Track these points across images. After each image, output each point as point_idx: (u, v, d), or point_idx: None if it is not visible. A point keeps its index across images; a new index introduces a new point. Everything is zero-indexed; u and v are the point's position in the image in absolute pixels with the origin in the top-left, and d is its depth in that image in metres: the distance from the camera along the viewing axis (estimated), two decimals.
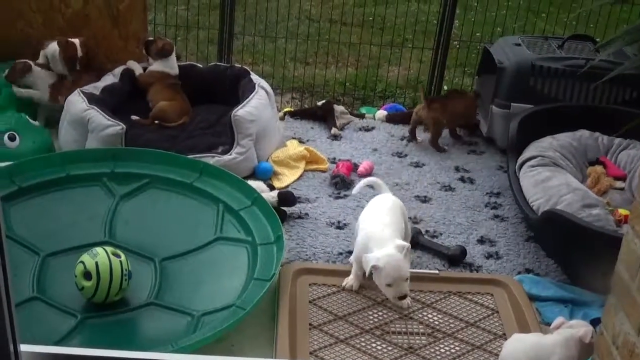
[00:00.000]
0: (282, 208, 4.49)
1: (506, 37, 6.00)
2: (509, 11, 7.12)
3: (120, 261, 3.56)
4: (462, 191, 5.05)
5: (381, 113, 6.04)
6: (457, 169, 5.33)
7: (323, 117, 5.84)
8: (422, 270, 4.13)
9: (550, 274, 4.23)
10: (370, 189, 4.83)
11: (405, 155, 5.45)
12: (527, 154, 4.76)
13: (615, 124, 4.87)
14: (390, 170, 5.22)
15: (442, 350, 3.54)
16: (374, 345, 3.54)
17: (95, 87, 5.18)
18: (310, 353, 3.44)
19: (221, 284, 3.82)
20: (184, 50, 6.63)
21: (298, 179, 5.01)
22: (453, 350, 3.55)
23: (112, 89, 5.25)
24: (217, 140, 4.95)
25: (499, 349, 3.43)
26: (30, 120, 4.98)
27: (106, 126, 4.75)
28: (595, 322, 3.38)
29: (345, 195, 4.84)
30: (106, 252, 3.56)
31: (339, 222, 4.55)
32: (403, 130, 5.81)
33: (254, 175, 4.93)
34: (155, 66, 5.43)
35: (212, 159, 4.71)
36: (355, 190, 4.41)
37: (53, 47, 5.26)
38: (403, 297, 3.62)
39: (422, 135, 5.69)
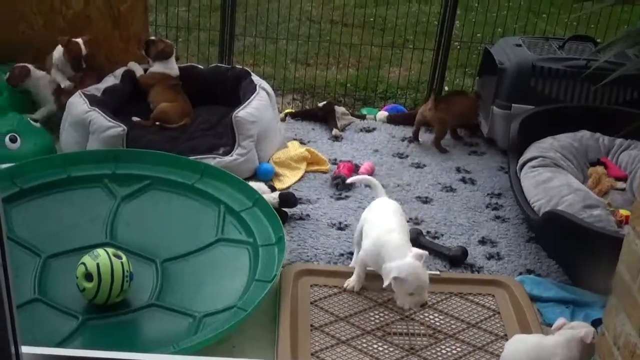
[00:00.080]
0: (283, 209, 4.49)
1: (507, 38, 6.00)
2: (509, 12, 7.13)
3: (122, 262, 3.56)
4: (463, 192, 5.05)
5: (382, 114, 6.04)
6: (458, 169, 5.33)
7: (324, 118, 5.84)
8: None
9: (551, 275, 4.23)
10: (370, 190, 4.85)
11: (406, 156, 5.45)
12: (528, 154, 4.76)
13: (616, 125, 4.88)
14: (391, 171, 5.22)
15: (444, 352, 3.54)
16: (375, 346, 3.54)
17: (97, 89, 5.18)
18: (312, 354, 3.44)
19: (222, 285, 3.82)
20: (184, 52, 6.65)
21: (299, 180, 5.01)
22: (454, 352, 3.55)
23: (113, 91, 5.25)
24: (218, 141, 4.96)
25: (501, 350, 3.43)
26: (32, 122, 4.99)
27: (107, 127, 4.75)
28: (596, 323, 3.37)
29: (347, 197, 4.85)
30: (107, 253, 3.56)
31: (340, 223, 4.55)
32: (404, 131, 5.81)
33: (255, 176, 4.93)
34: (156, 67, 5.43)
35: (213, 160, 4.71)
36: (351, 179, 4.42)
37: (58, 49, 5.26)
38: (424, 304, 3.61)
39: (423, 136, 5.70)
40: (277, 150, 5.24)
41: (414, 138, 5.66)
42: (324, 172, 5.12)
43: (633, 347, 2.39)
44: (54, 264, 3.85)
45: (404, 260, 3.49)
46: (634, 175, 4.68)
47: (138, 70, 5.48)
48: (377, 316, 3.72)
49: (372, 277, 3.80)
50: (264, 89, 5.31)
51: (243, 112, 4.96)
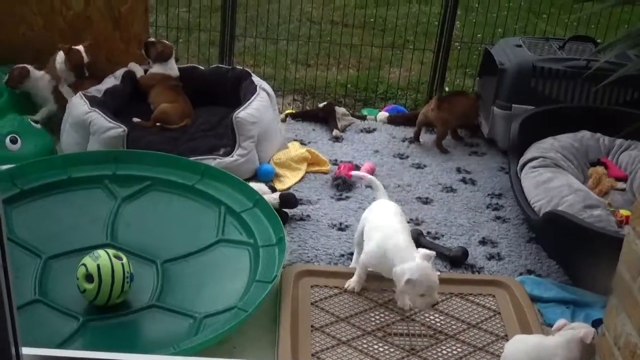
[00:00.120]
0: (284, 210, 4.49)
1: (507, 38, 6.00)
2: (509, 12, 7.13)
3: (122, 263, 3.56)
4: (464, 192, 5.05)
5: (382, 114, 6.04)
6: (458, 170, 5.33)
7: (324, 118, 5.84)
8: None
9: (552, 275, 4.23)
10: (370, 190, 4.84)
11: (407, 157, 5.45)
12: (528, 155, 4.76)
13: (617, 125, 4.87)
14: (392, 171, 5.22)
15: (444, 352, 3.54)
16: (375, 347, 3.54)
17: (98, 90, 5.18)
18: (312, 355, 3.44)
19: (223, 286, 3.82)
20: (185, 53, 6.65)
21: (300, 180, 5.01)
22: (455, 352, 3.55)
23: (113, 92, 5.25)
24: (218, 142, 4.96)
25: (501, 351, 3.43)
26: (32, 123, 4.98)
27: (108, 128, 4.75)
28: (597, 323, 3.38)
29: (347, 197, 4.85)
30: (108, 254, 3.56)
31: (340, 223, 4.55)
32: (404, 131, 5.81)
33: (255, 177, 4.93)
34: (156, 68, 5.43)
35: (214, 161, 4.72)
36: (355, 173, 4.41)
37: (60, 56, 5.25)
38: (435, 304, 3.60)
39: (424, 136, 5.70)
40: (278, 151, 5.24)
41: (415, 139, 5.67)
42: (325, 173, 5.13)
43: (634, 348, 2.39)
44: (54, 265, 3.85)
45: (414, 262, 3.48)
46: (634, 175, 4.68)
47: (138, 71, 5.49)
48: (377, 317, 3.72)
49: (373, 278, 3.81)
50: (264, 89, 5.31)
51: (243, 113, 4.96)
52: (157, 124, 5.13)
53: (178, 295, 3.73)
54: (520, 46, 5.66)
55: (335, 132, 5.68)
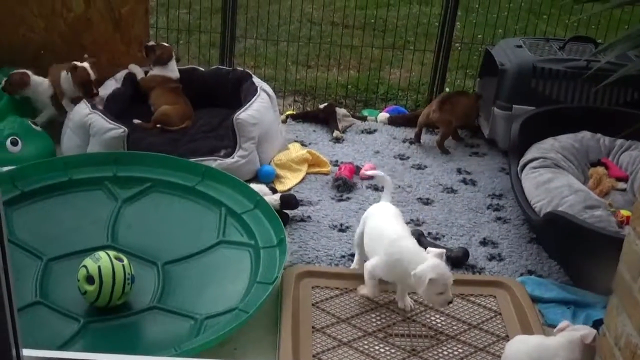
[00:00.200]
0: (285, 211, 4.49)
1: (507, 39, 6.00)
2: (510, 13, 7.13)
3: (123, 265, 3.56)
4: (464, 193, 5.05)
5: (383, 115, 6.04)
6: (459, 171, 5.33)
7: (325, 120, 5.85)
8: None
9: (552, 276, 4.23)
10: (371, 191, 4.85)
11: (408, 158, 5.46)
12: (529, 155, 4.76)
13: (617, 125, 4.87)
14: (393, 172, 5.22)
15: (445, 353, 3.54)
16: (376, 347, 3.54)
17: (100, 98, 5.14)
18: (313, 356, 3.44)
19: (224, 287, 3.82)
20: (185, 54, 6.64)
21: (300, 182, 5.01)
22: (456, 353, 3.55)
23: (114, 95, 5.23)
24: (219, 143, 4.96)
25: (502, 351, 3.43)
26: (33, 125, 4.98)
27: (108, 129, 4.76)
28: (598, 323, 3.37)
29: (348, 198, 4.85)
30: (109, 256, 3.56)
31: (341, 224, 4.55)
32: (405, 132, 5.81)
33: (256, 178, 4.93)
34: (156, 71, 5.43)
35: (215, 163, 4.72)
36: (373, 173, 4.35)
37: (63, 76, 5.14)
38: (451, 302, 3.59)
39: (424, 137, 5.70)
40: (278, 152, 5.24)
41: (416, 139, 5.67)
42: (325, 174, 5.13)
43: (634, 348, 2.39)
44: (55, 266, 3.86)
45: (431, 262, 3.47)
46: (635, 175, 4.69)
47: (139, 72, 5.49)
48: (378, 318, 3.72)
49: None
50: (265, 91, 5.31)
51: (244, 114, 4.96)
52: (158, 125, 5.13)
53: (179, 297, 3.74)
54: (520, 47, 5.66)
55: (336, 133, 5.68)
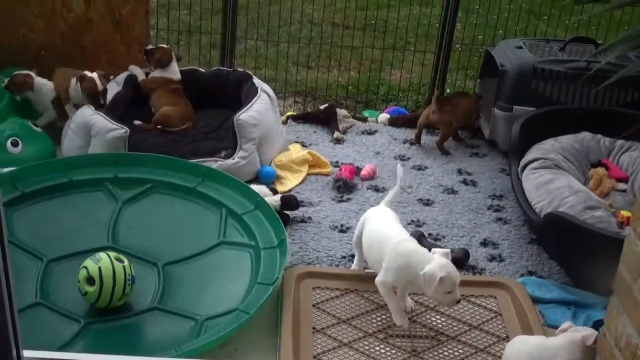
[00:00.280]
0: (285, 212, 4.49)
1: (508, 40, 6.01)
2: (510, 14, 7.12)
3: (124, 266, 3.56)
4: (465, 194, 5.05)
5: (384, 116, 6.04)
6: (459, 171, 5.33)
7: (326, 120, 5.85)
8: None
9: (553, 276, 4.23)
10: (372, 192, 4.85)
11: (408, 159, 5.46)
12: (529, 156, 4.76)
13: (617, 126, 4.88)
14: (393, 173, 5.20)
15: (446, 354, 3.54)
16: (377, 348, 3.54)
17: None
18: (314, 357, 3.44)
19: (224, 288, 3.82)
20: (186, 55, 6.64)
21: (301, 182, 5.01)
22: (456, 353, 3.55)
23: (116, 99, 5.21)
24: (219, 144, 4.96)
25: (503, 352, 3.43)
26: (33, 127, 4.98)
27: (109, 130, 4.76)
28: (598, 324, 3.37)
29: (348, 199, 4.85)
30: (109, 257, 3.57)
31: (342, 225, 4.55)
32: (406, 133, 5.81)
33: (256, 179, 4.93)
34: (157, 72, 5.43)
35: (215, 164, 4.72)
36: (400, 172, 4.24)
37: (72, 83, 5.11)
38: (459, 301, 3.58)
39: (425, 138, 5.70)
40: (279, 153, 5.24)
41: (417, 140, 5.67)
42: (326, 175, 5.13)
43: (634, 349, 2.39)
44: (55, 267, 3.86)
45: (439, 261, 3.46)
46: (635, 176, 4.69)
47: (139, 74, 5.48)
48: (379, 318, 3.72)
49: (374, 279, 3.80)
50: (265, 92, 5.31)
51: (245, 115, 4.96)
52: (158, 126, 5.13)
53: (179, 298, 3.74)
54: (520, 48, 5.66)
55: (337, 134, 5.68)
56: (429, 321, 3.74)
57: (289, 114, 6.00)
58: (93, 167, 4.51)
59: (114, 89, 5.30)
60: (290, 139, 5.57)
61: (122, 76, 5.42)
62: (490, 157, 5.58)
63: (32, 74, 5.18)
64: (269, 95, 5.32)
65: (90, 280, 3.50)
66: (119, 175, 4.48)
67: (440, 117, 5.49)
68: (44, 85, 5.20)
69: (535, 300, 3.95)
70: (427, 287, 3.45)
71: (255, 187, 4.50)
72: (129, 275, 3.57)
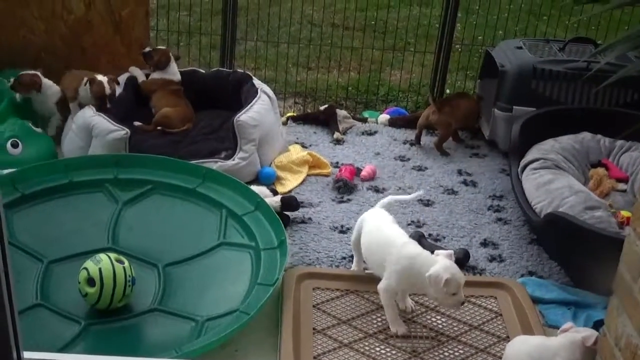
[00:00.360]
0: (285, 213, 4.49)
1: (508, 40, 6.01)
2: (510, 14, 7.13)
3: (124, 267, 3.56)
4: (465, 194, 5.05)
5: (384, 117, 6.04)
6: (459, 172, 5.33)
7: (326, 121, 5.85)
8: None
9: (553, 276, 4.23)
10: (372, 193, 4.85)
11: (408, 159, 5.46)
12: (529, 156, 4.76)
13: (617, 126, 4.88)
14: (393, 174, 5.22)
15: (446, 354, 3.54)
16: (377, 349, 3.54)
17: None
18: (314, 357, 3.44)
19: (225, 289, 3.82)
20: (186, 56, 6.64)
21: (301, 183, 5.01)
22: (457, 354, 3.55)
23: (118, 102, 5.19)
24: (220, 145, 4.96)
25: (503, 352, 3.43)
26: (33, 127, 4.99)
27: (110, 131, 4.77)
28: (598, 324, 3.38)
29: (348, 200, 4.85)
30: (110, 258, 3.57)
31: (342, 226, 4.55)
32: (406, 134, 5.81)
33: (257, 180, 4.93)
34: (157, 74, 5.43)
35: (215, 165, 4.72)
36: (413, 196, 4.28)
37: (82, 85, 5.08)
38: (463, 302, 3.58)
39: (425, 139, 5.70)
40: (279, 154, 5.24)
41: (417, 141, 5.67)
42: (326, 176, 5.13)
43: (634, 349, 2.39)
44: (56, 269, 3.86)
45: (443, 263, 3.46)
46: (635, 176, 4.69)
47: (140, 75, 5.48)
48: (379, 319, 3.72)
49: (375, 279, 3.79)
50: (265, 92, 5.32)
51: (245, 116, 4.96)
52: (158, 127, 5.13)
53: (180, 299, 3.74)
54: (520, 48, 5.67)
55: (337, 134, 5.68)
56: (429, 322, 3.74)
57: (289, 114, 6.00)
58: (93, 168, 4.51)
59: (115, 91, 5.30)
60: (291, 140, 5.57)
61: (122, 78, 5.42)
62: (490, 157, 5.58)
63: (39, 74, 5.18)
64: (269, 96, 5.32)
65: (90, 281, 3.50)
66: (119, 176, 4.48)
67: (440, 118, 5.50)
68: (50, 87, 5.20)
69: (536, 301, 3.95)
70: (432, 290, 3.45)
71: (255, 188, 4.50)
72: (130, 276, 3.57)
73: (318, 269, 4.10)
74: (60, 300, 3.65)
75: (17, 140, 4.81)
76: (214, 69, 5.93)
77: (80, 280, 3.52)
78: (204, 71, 5.81)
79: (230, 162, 4.80)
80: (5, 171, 4.46)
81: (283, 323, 3.57)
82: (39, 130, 5.02)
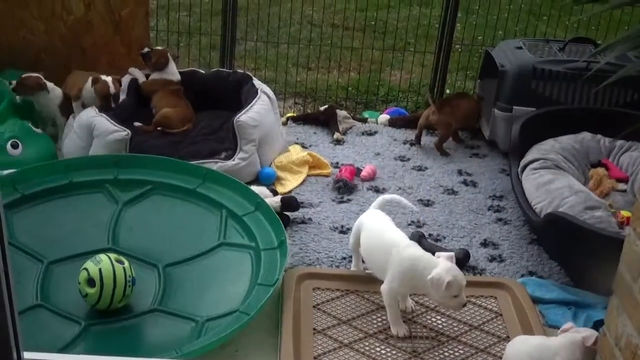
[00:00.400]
0: (285, 213, 4.49)
1: (508, 41, 6.01)
2: (510, 14, 7.13)
3: (124, 268, 3.56)
4: (465, 194, 5.05)
5: (384, 117, 6.04)
6: (459, 172, 5.33)
7: (326, 121, 5.85)
8: None
9: (553, 276, 4.23)
10: (372, 193, 4.85)
11: (408, 159, 5.46)
12: (529, 156, 4.77)
13: (617, 126, 4.87)
14: (393, 174, 5.22)
15: (446, 354, 3.54)
16: (377, 349, 3.54)
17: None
18: (315, 358, 3.44)
19: (225, 289, 3.82)
20: (186, 57, 6.65)
21: (301, 184, 5.01)
22: (457, 354, 3.55)
23: (121, 105, 5.19)
24: (220, 146, 4.96)
25: (503, 352, 3.43)
26: (33, 128, 4.98)
27: (112, 131, 4.77)
28: (598, 324, 3.38)
29: (348, 200, 4.85)
30: (110, 258, 3.57)
31: (342, 226, 4.55)
32: (406, 134, 5.82)
33: (257, 180, 4.93)
34: (156, 75, 5.43)
35: (215, 165, 4.72)
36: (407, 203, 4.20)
37: (87, 85, 5.09)
38: (465, 304, 3.58)
39: (425, 139, 5.70)
40: (279, 154, 5.24)
41: (417, 141, 5.67)
42: (326, 176, 5.13)
43: (634, 348, 2.39)
44: (56, 269, 3.86)
45: (445, 265, 3.45)
46: (635, 176, 4.69)
47: (140, 76, 5.48)
48: (379, 319, 3.72)
49: (375, 280, 3.80)
50: (265, 93, 5.32)
51: (245, 117, 4.96)
52: (158, 128, 5.13)
53: (180, 299, 3.74)
54: (520, 48, 5.67)
55: (337, 135, 5.68)
56: (429, 322, 3.74)
57: (289, 115, 6.00)
58: (93, 168, 4.51)
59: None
60: (291, 140, 5.57)
61: (124, 80, 5.38)
62: (490, 157, 5.58)
63: (41, 76, 5.17)
64: (269, 97, 5.32)
65: (90, 282, 3.50)
66: (119, 176, 4.48)
67: (440, 118, 5.49)
68: (52, 89, 5.18)
69: (536, 301, 3.95)
70: (434, 292, 3.45)
71: (255, 188, 4.50)
72: (130, 276, 3.57)
73: (318, 269, 4.10)
74: (60, 300, 3.65)
75: (17, 141, 4.81)
76: (214, 69, 5.93)
77: (81, 280, 3.52)
78: (203, 71, 5.81)
79: (230, 163, 4.80)
80: (5, 172, 4.46)
81: (283, 323, 3.57)
82: (38, 130, 5.02)
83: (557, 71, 5.35)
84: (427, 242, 4.36)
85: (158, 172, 4.51)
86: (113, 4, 5.55)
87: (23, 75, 5.14)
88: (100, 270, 3.50)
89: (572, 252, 4.15)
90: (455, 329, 3.71)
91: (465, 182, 5.19)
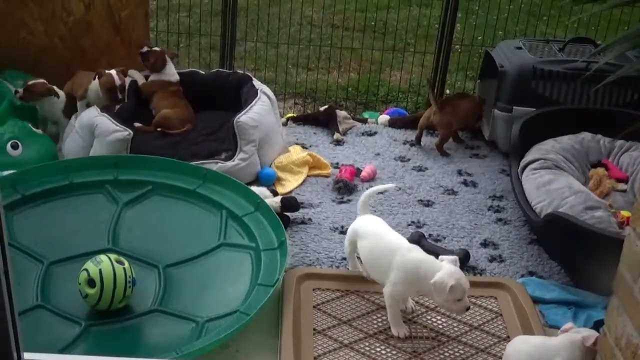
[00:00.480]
0: (286, 213, 4.50)
1: (507, 41, 6.01)
2: (510, 15, 7.13)
3: (124, 268, 3.56)
4: (465, 195, 5.05)
5: (384, 118, 6.04)
6: (459, 172, 5.33)
7: (326, 122, 5.85)
8: None
9: (553, 277, 4.23)
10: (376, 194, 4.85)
11: (408, 160, 5.46)
12: (529, 157, 4.77)
13: (617, 126, 4.87)
14: (393, 174, 5.22)
15: (447, 354, 3.54)
16: (378, 349, 3.54)
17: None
18: (315, 358, 3.44)
19: (225, 290, 3.82)
20: (186, 57, 6.65)
21: (301, 184, 5.01)
22: (457, 354, 3.55)
23: (123, 108, 5.18)
24: (220, 146, 4.97)
25: (503, 352, 3.43)
26: (33, 129, 4.98)
27: (113, 131, 4.77)
28: (599, 324, 3.38)
29: (348, 200, 4.85)
30: (110, 259, 3.57)
31: (342, 227, 4.55)
32: (406, 134, 5.81)
33: (257, 181, 4.94)
34: (155, 76, 5.43)
35: (216, 165, 4.72)
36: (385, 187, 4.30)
37: (94, 84, 5.11)
38: (468, 308, 3.58)
39: (425, 139, 5.70)
40: (279, 155, 5.24)
41: (417, 142, 5.67)
42: (326, 176, 5.13)
43: (635, 348, 2.39)
44: (56, 270, 3.86)
45: (448, 269, 3.45)
46: (635, 176, 4.69)
47: (139, 78, 5.47)
48: (379, 319, 3.72)
49: (374, 280, 3.80)
50: (265, 93, 5.32)
51: (245, 117, 4.97)
52: (158, 129, 5.13)
53: (180, 300, 3.74)
54: (520, 48, 5.67)
55: (337, 135, 5.68)
56: (429, 322, 3.74)
57: (289, 115, 6.00)
58: (93, 169, 4.52)
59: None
60: (291, 141, 5.57)
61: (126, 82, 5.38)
62: (490, 157, 5.58)
63: (46, 82, 5.15)
64: (269, 97, 5.32)
65: (90, 282, 3.50)
66: (119, 177, 4.48)
67: (441, 118, 5.49)
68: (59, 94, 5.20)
69: (536, 301, 3.95)
70: (438, 295, 3.44)
71: (255, 188, 4.50)
72: (130, 277, 3.57)
73: (318, 270, 4.10)
74: (60, 301, 3.65)
75: (17, 142, 4.81)
76: (214, 70, 5.93)
77: (81, 281, 3.53)
78: (203, 72, 5.81)
79: (230, 163, 4.81)
80: (6, 173, 4.46)
81: (283, 324, 3.57)
82: (38, 131, 5.02)
83: (557, 71, 5.35)
84: (427, 243, 4.36)
85: (158, 173, 4.51)
86: (113, 5, 5.55)
87: (29, 82, 5.12)
88: (100, 270, 3.50)
89: (572, 253, 4.14)
90: (456, 329, 3.71)
91: (465, 183, 5.19)
